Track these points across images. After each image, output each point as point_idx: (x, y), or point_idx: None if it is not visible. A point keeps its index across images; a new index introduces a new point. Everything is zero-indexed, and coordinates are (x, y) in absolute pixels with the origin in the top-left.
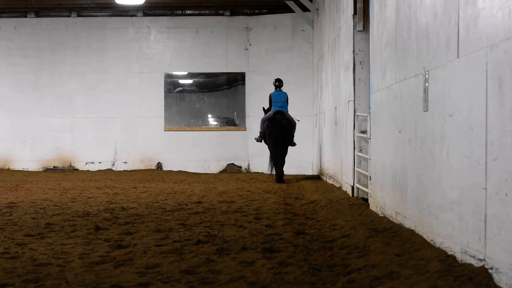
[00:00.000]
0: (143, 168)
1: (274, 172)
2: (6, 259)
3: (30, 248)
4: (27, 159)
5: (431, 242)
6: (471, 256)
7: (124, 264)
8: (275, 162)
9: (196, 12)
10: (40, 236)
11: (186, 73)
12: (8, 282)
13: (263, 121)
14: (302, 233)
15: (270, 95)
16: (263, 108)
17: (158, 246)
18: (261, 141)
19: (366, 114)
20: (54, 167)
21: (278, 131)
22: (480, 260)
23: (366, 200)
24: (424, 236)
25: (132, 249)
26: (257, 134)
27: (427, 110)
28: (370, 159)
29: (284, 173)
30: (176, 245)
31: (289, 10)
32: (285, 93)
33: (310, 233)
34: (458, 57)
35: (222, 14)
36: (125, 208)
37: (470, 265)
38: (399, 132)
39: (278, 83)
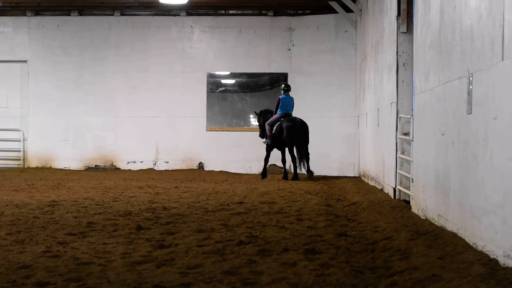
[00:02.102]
0: (184, 168)
1: (292, 170)
2: (48, 258)
3: (72, 247)
4: (69, 157)
5: (473, 245)
6: None
7: (166, 264)
8: (300, 158)
9: (239, 12)
10: (82, 235)
11: (228, 73)
12: (50, 281)
13: (271, 125)
14: (344, 234)
15: (279, 98)
16: (255, 112)
17: (200, 247)
18: (270, 144)
19: (409, 116)
20: (95, 166)
21: (304, 130)
22: None
23: (408, 202)
24: (466, 239)
25: (174, 249)
26: None
27: (470, 113)
28: (412, 161)
29: (326, 174)
30: (218, 245)
31: (332, 11)
32: (293, 98)
33: (352, 235)
34: (502, 59)
35: (265, 14)
36: (166, 208)
37: None
38: (442, 135)
39: (287, 88)
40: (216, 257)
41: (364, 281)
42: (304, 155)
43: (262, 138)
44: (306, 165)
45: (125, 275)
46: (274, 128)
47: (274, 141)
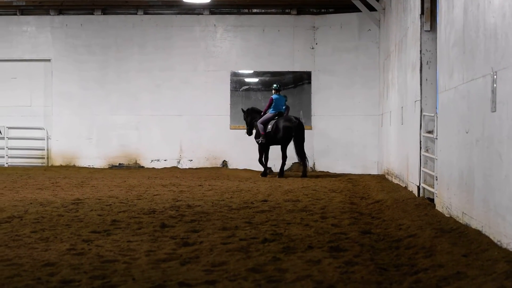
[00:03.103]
0: (208, 166)
1: (267, 169)
2: (73, 256)
3: (96, 245)
4: (93, 156)
5: (498, 243)
6: None
7: (191, 262)
8: (302, 158)
9: (263, 10)
10: (106, 233)
11: (252, 71)
12: (75, 278)
13: (264, 124)
14: (368, 232)
15: (271, 98)
16: (242, 109)
17: (224, 244)
18: (264, 142)
19: (432, 114)
20: (119, 164)
21: (301, 130)
22: None
23: (432, 200)
24: (491, 237)
25: (199, 246)
26: (322, 132)
27: (495, 111)
28: (436, 159)
29: (350, 172)
30: (243, 243)
31: (355, 9)
32: (283, 97)
33: (376, 232)
34: None
35: (288, 13)
36: (191, 206)
37: None
38: (466, 133)
39: (278, 87)
40: (240, 255)
41: (388, 278)
42: (303, 154)
43: (249, 135)
44: (306, 164)
45: (150, 272)
46: (270, 126)
47: (269, 140)
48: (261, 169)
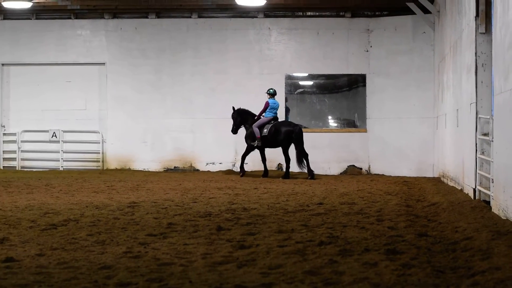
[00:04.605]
0: (263, 169)
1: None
2: (129, 259)
3: (152, 248)
4: (148, 159)
5: None
6: None
7: (247, 265)
8: (301, 159)
9: (317, 13)
10: (163, 236)
11: (306, 74)
12: (132, 281)
13: (260, 127)
14: (424, 235)
15: (267, 102)
16: (233, 107)
17: (281, 247)
18: (261, 145)
19: (488, 117)
20: (174, 167)
21: (301, 134)
22: None
23: (488, 202)
24: None
25: (255, 249)
26: (377, 135)
27: None
28: (492, 161)
29: (405, 174)
30: (299, 246)
31: (410, 12)
32: (278, 102)
33: (432, 235)
34: None
35: (343, 16)
36: (246, 209)
37: None
38: None
39: (274, 92)
40: (297, 257)
41: (445, 281)
42: (305, 156)
43: (234, 133)
44: (307, 165)
45: (207, 275)
46: (266, 130)
47: (265, 143)
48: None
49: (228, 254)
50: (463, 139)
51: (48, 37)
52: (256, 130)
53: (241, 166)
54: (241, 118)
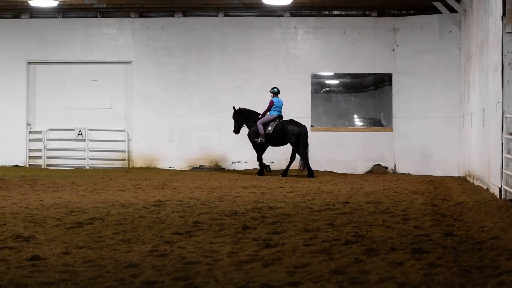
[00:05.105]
0: (259, 168)
1: (264, 168)
2: (155, 257)
3: (178, 246)
4: (174, 158)
5: None
6: None
7: (273, 263)
8: (305, 157)
9: (343, 12)
10: (188, 235)
11: (332, 73)
12: (158, 280)
13: (264, 125)
14: (450, 234)
15: (272, 100)
16: (234, 107)
17: (307, 246)
18: (264, 142)
19: None
20: (200, 166)
21: (306, 135)
22: None
23: None
24: None
25: (281, 248)
26: (403, 134)
27: None
28: None
29: (431, 174)
30: (325, 245)
31: (436, 11)
32: (282, 100)
33: (458, 234)
34: None
35: (369, 15)
36: (272, 208)
37: None
38: None
39: (278, 90)
40: (323, 256)
41: (472, 280)
42: (306, 157)
43: (236, 133)
44: (307, 165)
45: (233, 274)
46: (270, 128)
47: (268, 140)
48: (268, 168)
49: (254, 253)
50: (489, 138)
51: (74, 36)
52: (260, 126)
53: (262, 165)
54: (242, 117)
